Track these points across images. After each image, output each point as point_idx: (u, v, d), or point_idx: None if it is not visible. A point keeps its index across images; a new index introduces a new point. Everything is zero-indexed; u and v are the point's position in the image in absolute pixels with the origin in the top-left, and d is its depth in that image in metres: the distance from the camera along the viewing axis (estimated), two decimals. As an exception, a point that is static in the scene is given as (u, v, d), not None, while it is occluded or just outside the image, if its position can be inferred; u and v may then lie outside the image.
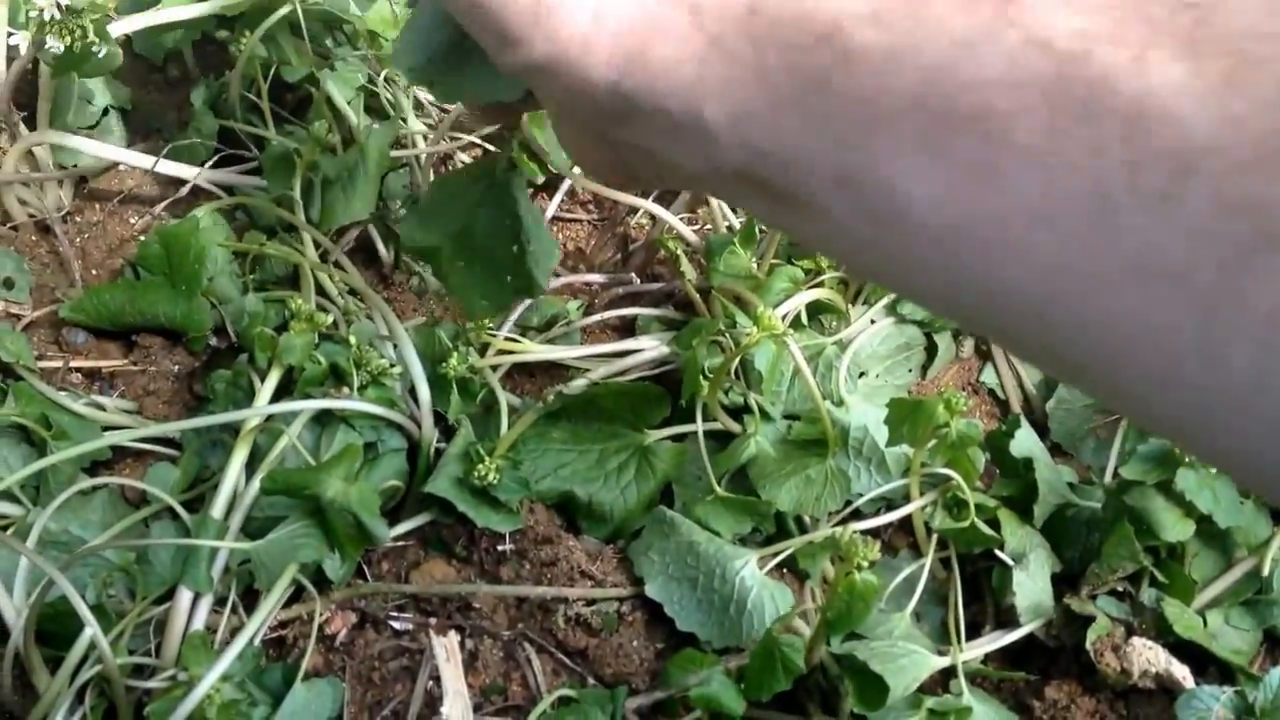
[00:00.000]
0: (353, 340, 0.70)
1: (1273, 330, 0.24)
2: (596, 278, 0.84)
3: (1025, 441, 0.72)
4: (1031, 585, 0.68)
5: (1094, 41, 0.27)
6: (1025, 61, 0.27)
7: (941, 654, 0.66)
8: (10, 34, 0.77)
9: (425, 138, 0.85)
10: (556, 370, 0.78)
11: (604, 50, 0.35)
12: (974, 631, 0.70)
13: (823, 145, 0.31)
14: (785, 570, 0.71)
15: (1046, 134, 0.27)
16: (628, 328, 0.82)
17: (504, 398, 0.72)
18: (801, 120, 0.32)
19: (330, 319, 0.70)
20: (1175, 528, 0.66)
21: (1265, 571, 0.68)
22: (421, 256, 0.65)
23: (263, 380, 0.68)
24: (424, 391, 0.71)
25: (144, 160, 0.79)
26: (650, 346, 0.77)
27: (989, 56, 0.28)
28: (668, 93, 0.34)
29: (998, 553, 0.69)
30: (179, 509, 0.68)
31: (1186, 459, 0.65)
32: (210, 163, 0.82)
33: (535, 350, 0.76)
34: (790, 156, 0.32)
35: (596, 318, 0.81)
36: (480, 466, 0.66)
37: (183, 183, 0.81)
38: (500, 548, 0.70)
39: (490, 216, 0.55)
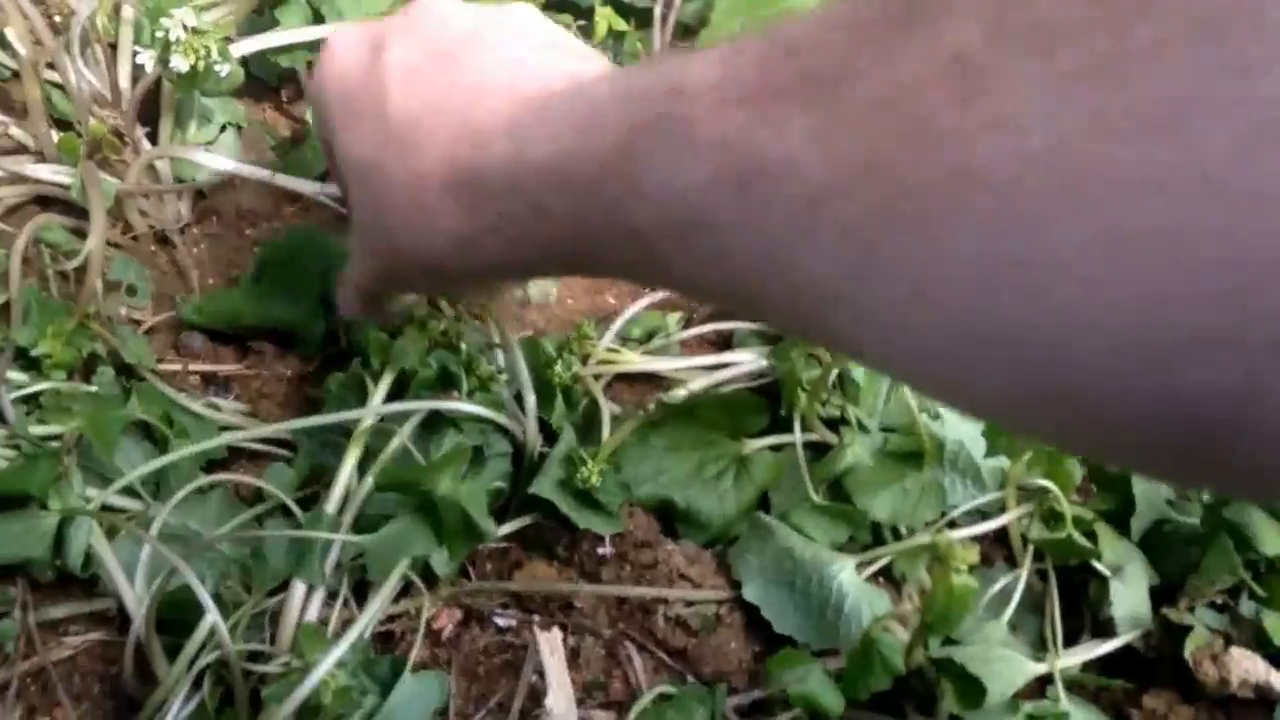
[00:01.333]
0: (463, 347, 0.72)
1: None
2: (694, 292, 0.86)
3: (1122, 456, 0.72)
4: (1129, 596, 0.68)
5: (751, 129, 0.35)
6: (713, 158, 0.37)
7: (1038, 661, 0.66)
8: (136, 53, 0.81)
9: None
10: (655, 381, 0.80)
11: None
12: (1070, 641, 0.70)
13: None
14: (881, 579, 0.72)
15: (738, 208, 0.36)
16: (725, 342, 0.83)
17: (606, 405, 0.74)
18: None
19: (442, 326, 0.73)
20: (1275, 540, 0.66)
21: (1368, 586, 0.69)
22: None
23: (375, 383, 0.70)
24: (530, 398, 0.73)
25: (261, 174, 0.82)
26: (748, 360, 0.79)
27: (691, 165, 0.37)
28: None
29: (1095, 564, 0.69)
30: (293, 506, 0.70)
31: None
32: (324, 178, 0.85)
33: (636, 361, 0.78)
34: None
35: (694, 331, 0.83)
36: (583, 470, 0.68)
37: (297, 197, 0.84)
38: (600, 550, 0.72)
39: None
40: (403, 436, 0.69)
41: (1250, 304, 0.25)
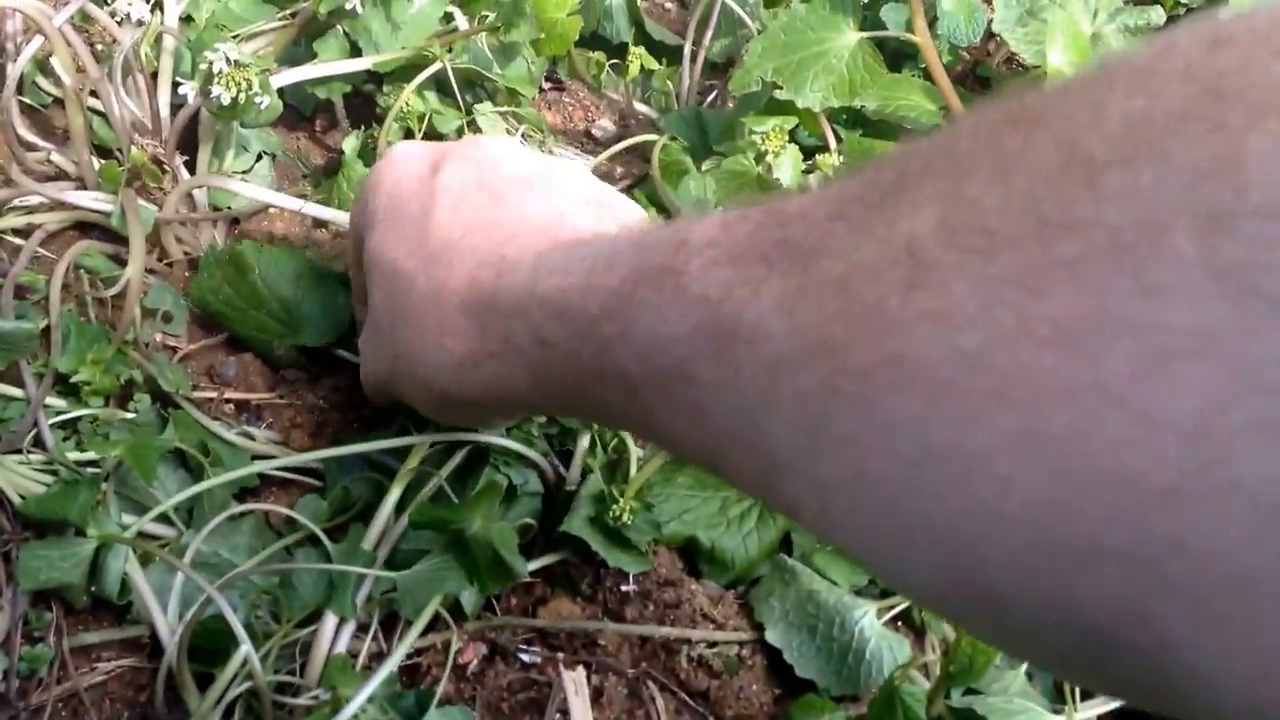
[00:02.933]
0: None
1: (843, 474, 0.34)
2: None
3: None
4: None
5: (732, 288, 0.37)
6: (697, 313, 0.39)
7: (1057, 713, 0.67)
8: (178, 83, 0.82)
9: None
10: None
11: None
12: (1089, 694, 0.71)
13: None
14: (900, 624, 0.73)
15: (714, 364, 0.38)
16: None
17: (633, 445, 0.76)
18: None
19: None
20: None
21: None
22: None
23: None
24: (583, 441, 0.74)
25: (294, 203, 0.84)
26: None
27: (677, 317, 0.40)
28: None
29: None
30: (323, 537, 0.71)
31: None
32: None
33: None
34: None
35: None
36: (615, 507, 0.69)
37: (326, 224, 0.86)
38: (625, 588, 0.73)
39: None
40: (441, 478, 0.70)
41: (1136, 525, 0.26)
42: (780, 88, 0.82)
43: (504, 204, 0.57)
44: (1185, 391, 0.24)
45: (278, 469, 0.75)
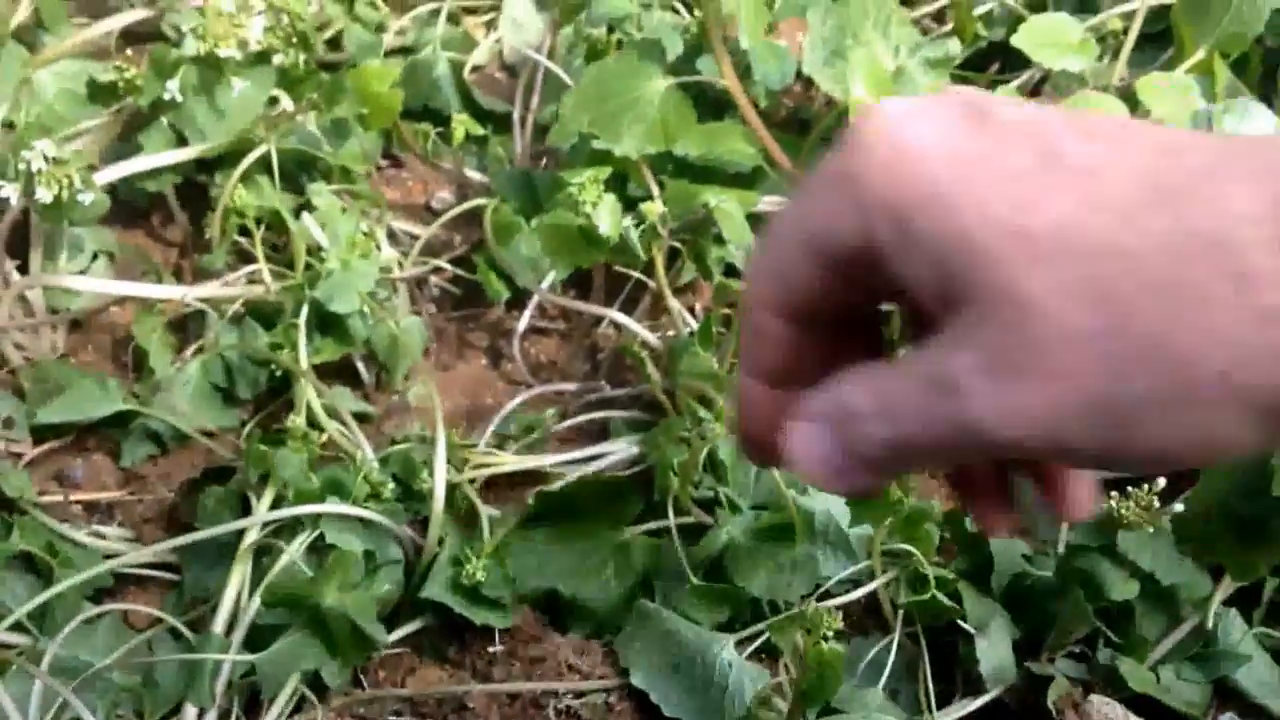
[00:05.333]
0: (358, 455, 0.74)
1: None
2: (569, 386, 0.89)
3: (980, 517, 0.76)
4: (994, 652, 0.72)
5: None
6: None
7: (914, 722, 0.69)
8: (0, 186, 0.82)
9: (399, 264, 0.90)
10: (535, 477, 0.82)
11: None
12: (944, 701, 0.73)
13: None
14: (764, 656, 0.75)
15: None
16: (601, 432, 0.86)
17: (482, 508, 0.77)
18: None
19: (325, 437, 0.74)
20: (1121, 587, 0.70)
21: (1209, 625, 0.73)
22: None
23: (258, 499, 0.72)
24: (437, 505, 0.74)
25: (146, 290, 0.83)
26: (621, 448, 0.81)
27: None
28: None
29: (961, 624, 0.73)
30: (182, 629, 0.71)
31: (1125, 521, 0.69)
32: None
33: (511, 460, 0.81)
34: None
35: (570, 423, 0.85)
36: (469, 566, 0.70)
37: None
38: (491, 649, 0.74)
39: None
40: (292, 553, 0.70)
41: None
42: (598, 137, 0.84)
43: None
44: None
45: (132, 566, 0.75)
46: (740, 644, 0.73)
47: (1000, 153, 0.34)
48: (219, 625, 0.68)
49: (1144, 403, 0.31)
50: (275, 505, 0.72)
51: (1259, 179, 0.31)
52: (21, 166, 0.78)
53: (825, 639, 0.63)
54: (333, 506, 0.72)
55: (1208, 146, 0.33)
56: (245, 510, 0.73)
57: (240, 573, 0.69)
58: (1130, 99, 0.88)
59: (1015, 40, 0.91)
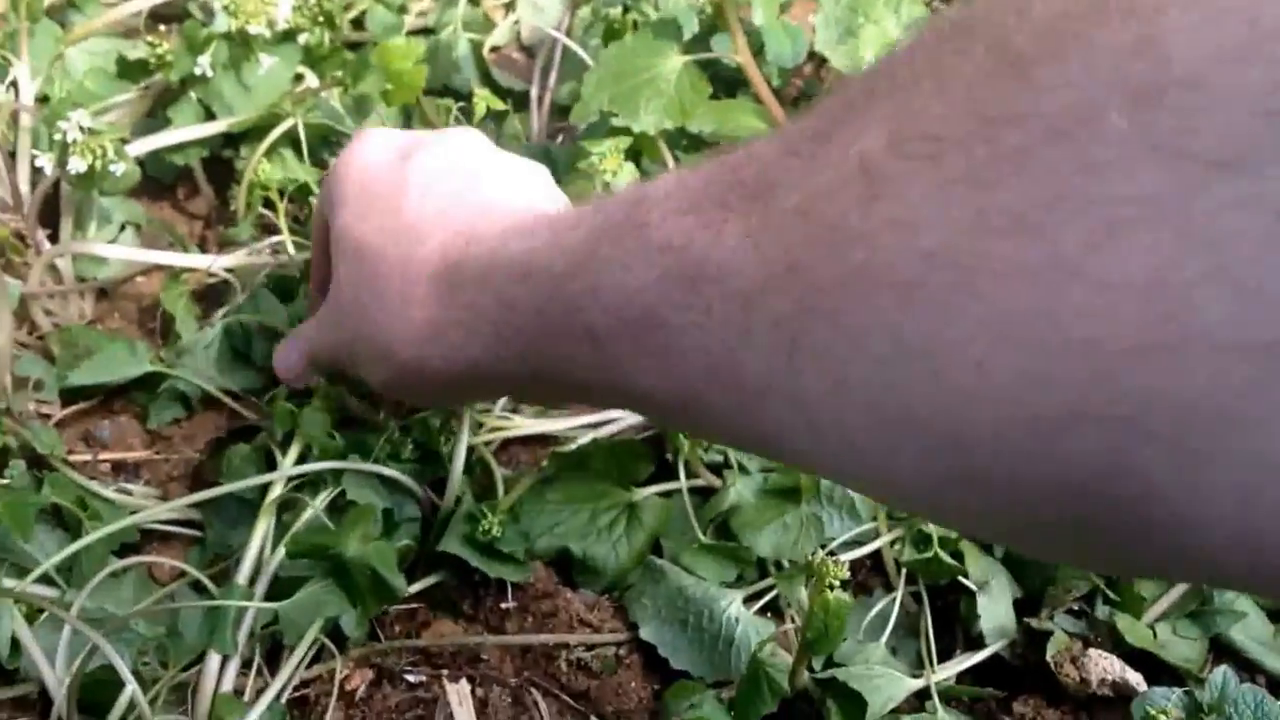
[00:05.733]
0: (380, 415, 0.77)
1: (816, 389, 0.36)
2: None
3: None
4: (994, 609, 0.73)
5: (693, 233, 0.40)
6: (661, 260, 0.41)
7: (916, 677, 0.71)
8: (35, 157, 0.84)
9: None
10: (549, 440, 0.85)
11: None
12: (945, 657, 0.75)
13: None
14: (769, 612, 0.77)
15: (683, 308, 0.40)
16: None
17: (497, 469, 0.79)
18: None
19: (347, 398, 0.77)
20: (1121, 546, 0.72)
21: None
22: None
23: (283, 454, 0.74)
24: (458, 463, 0.77)
25: (173, 258, 0.86)
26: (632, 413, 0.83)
27: (642, 267, 0.42)
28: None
29: (963, 581, 0.74)
30: (205, 581, 0.73)
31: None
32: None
33: (525, 424, 0.83)
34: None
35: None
36: (484, 522, 0.72)
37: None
38: (504, 605, 0.76)
39: None
40: (316, 508, 0.72)
41: (1109, 384, 0.28)
42: (617, 115, 0.86)
43: (476, 187, 0.61)
44: (1137, 255, 0.27)
45: (156, 521, 0.77)
46: (747, 601, 0.75)
47: (379, 180, 0.63)
48: (243, 576, 0.71)
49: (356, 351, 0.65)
50: (299, 462, 0.75)
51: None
52: (57, 137, 0.81)
53: (831, 588, 0.65)
54: (355, 464, 0.74)
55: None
56: (270, 467, 0.75)
57: (265, 524, 0.71)
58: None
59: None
